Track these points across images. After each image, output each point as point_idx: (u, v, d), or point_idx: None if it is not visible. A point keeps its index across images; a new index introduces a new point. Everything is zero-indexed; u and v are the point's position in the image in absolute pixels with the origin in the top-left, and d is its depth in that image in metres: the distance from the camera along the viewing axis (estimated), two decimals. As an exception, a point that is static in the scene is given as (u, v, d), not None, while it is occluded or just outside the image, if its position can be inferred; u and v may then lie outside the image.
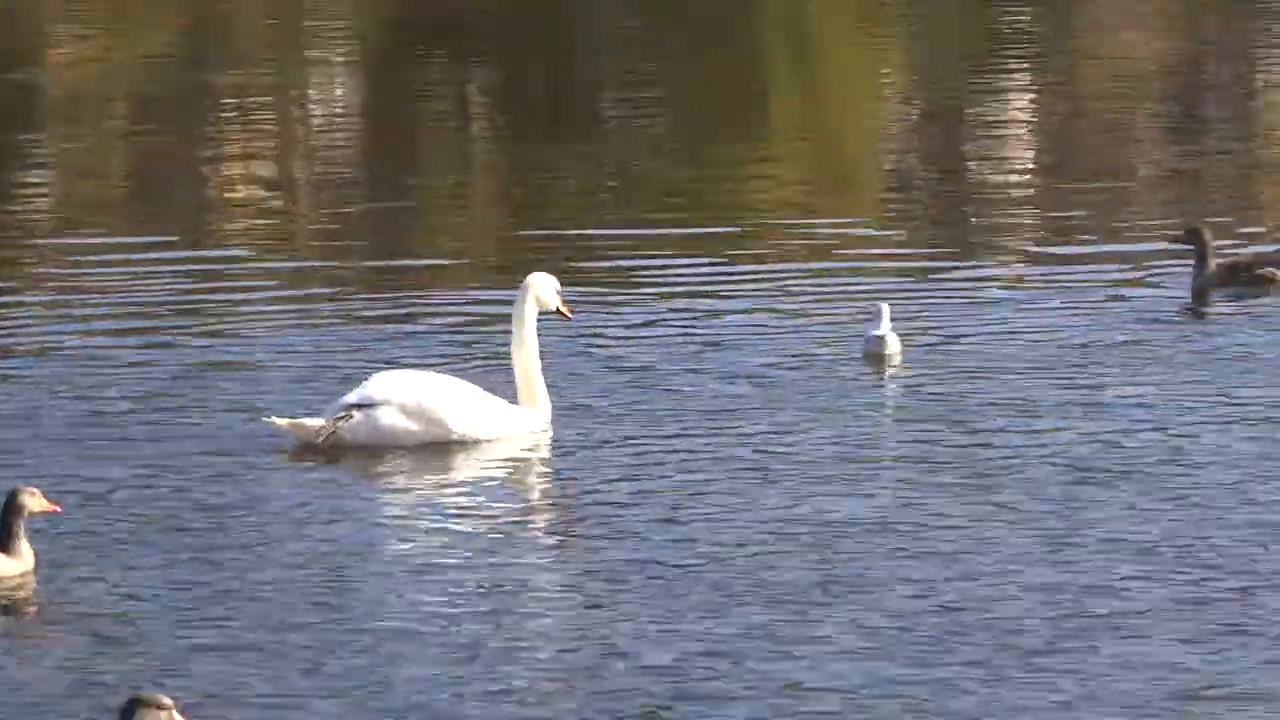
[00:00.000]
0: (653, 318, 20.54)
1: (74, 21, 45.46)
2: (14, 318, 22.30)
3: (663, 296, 21.29)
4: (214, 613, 13.96)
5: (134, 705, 10.76)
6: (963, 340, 19.78)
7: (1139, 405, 17.72)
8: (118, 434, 17.87)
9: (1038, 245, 23.93)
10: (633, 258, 22.72)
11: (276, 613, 13.78)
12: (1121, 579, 13.77)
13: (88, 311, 22.04)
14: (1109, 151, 29.49)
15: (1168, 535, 14.57)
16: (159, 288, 22.75)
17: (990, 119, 31.66)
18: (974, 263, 23.28)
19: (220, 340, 20.75)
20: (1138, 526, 14.73)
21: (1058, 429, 17.04)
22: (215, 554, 14.89)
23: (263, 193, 28.20)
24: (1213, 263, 21.26)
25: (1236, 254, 21.96)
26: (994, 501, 15.22)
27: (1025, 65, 36.29)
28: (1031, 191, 27.30)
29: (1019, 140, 30.39)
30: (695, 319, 20.45)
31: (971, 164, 29.30)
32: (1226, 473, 15.77)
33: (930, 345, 19.41)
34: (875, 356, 18.85)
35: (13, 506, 14.21)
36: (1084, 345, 19.64)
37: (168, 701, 10.78)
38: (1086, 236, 23.84)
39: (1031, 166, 28.98)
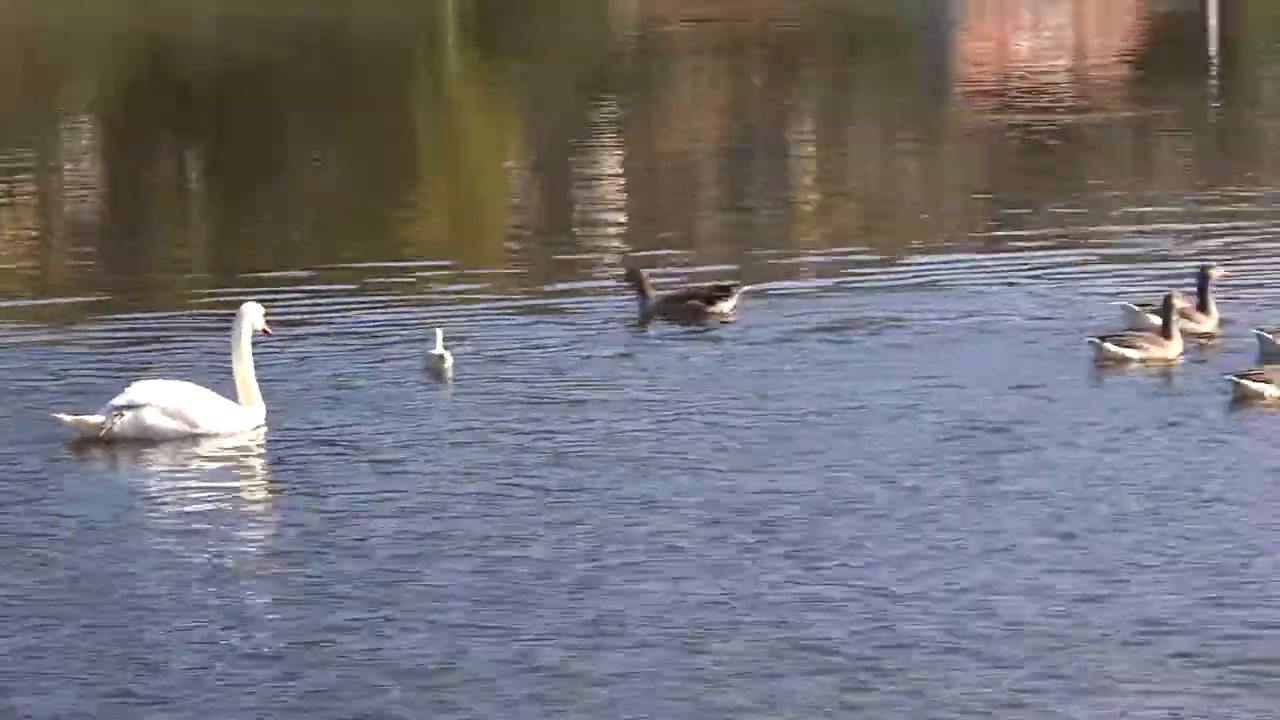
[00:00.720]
0: (317, 335, 20.64)
1: None
2: None
3: (324, 320, 21.31)
4: (12, 567, 13.85)
5: None
6: (502, 354, 19.64)
7: (599, 403, 17.86)
8: None
9: (573, 280, 23.69)
10: (308, 287, 22.75)
11: (58, 580, 13.66)
12: (629, 528, 14.28)
13: None
14: (663, 205, 29.75)
15: (664, 496, 15.08)
16: None
17: (579, 181, 31.64)
18: (523, 291, 23.12)
19: None
20: (635, 487, 15.27)
21: (565, 424, 17.20)
22: (17, 522, 14.81)
23: (22, 241, 27.78)
24: (653, 296, 20.87)
25: (671, 289, 21.51)
26: (527, 473, 15.68)
27: (615, 140, 36.16)
28: (587, 237, 27.27)
29: (596, 198, 30.34)
30: (339, 337, 20.65)
31: (553, 214, 29.32)
32: (688, 446, 16.25)
33: (479, 359, 19.37)
34: (433, 370, 18.80)
35: None
36: (574, 359, 19.42)
37: None
38: (606, 273, 23.68)
39: (596, 218, 28.97)
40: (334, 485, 15.81)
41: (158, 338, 21.12)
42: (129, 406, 16.94)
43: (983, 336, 20.16)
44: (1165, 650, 11.87)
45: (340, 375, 19.15)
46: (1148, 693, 11.27)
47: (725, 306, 20.94)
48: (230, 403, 17.19)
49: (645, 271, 21.18)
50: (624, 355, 19.82)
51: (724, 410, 17.61)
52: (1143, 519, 14.50)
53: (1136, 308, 19.70)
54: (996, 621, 12.32)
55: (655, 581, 13.24)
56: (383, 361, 19.62)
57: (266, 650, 12.24)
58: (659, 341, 20.36)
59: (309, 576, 13.64)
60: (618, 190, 31.20)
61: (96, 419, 16.88)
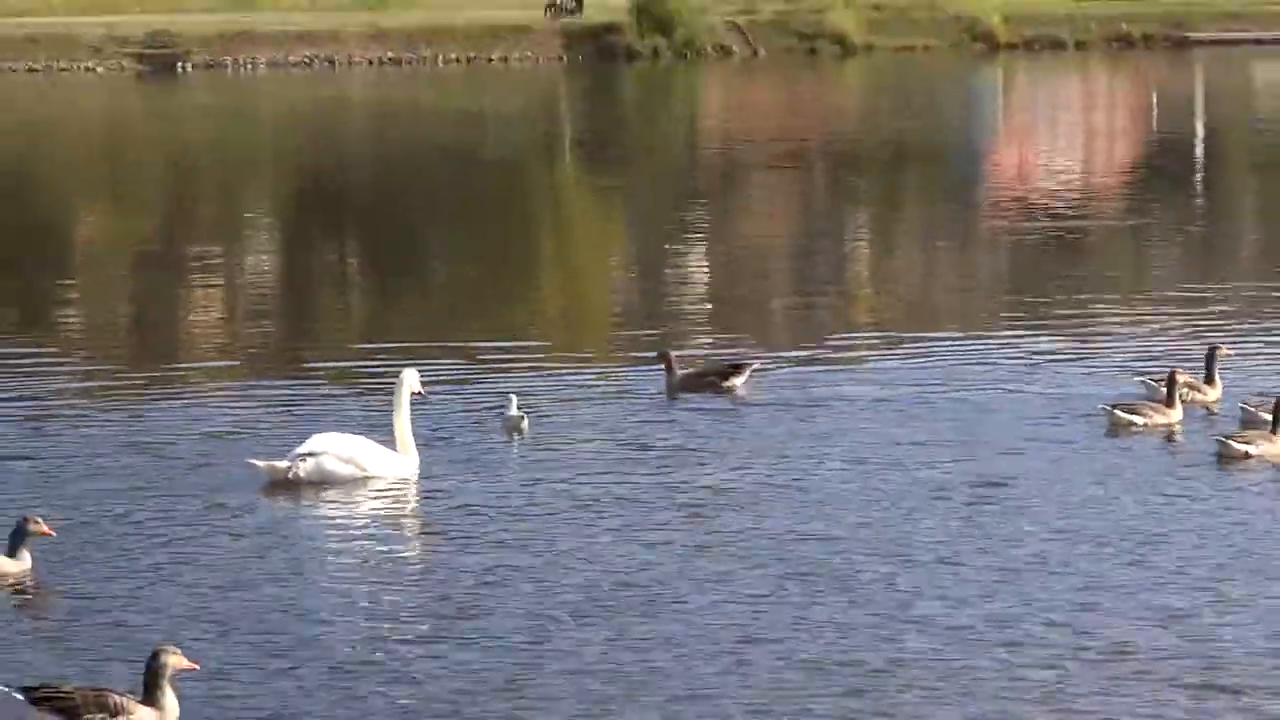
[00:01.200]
0: (459, 398, 20.41)
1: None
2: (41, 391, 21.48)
3: (461, 383, 21.27)
4: (216, 584, 14.07)
5: (157, 653, 11.18)
6: (567, 419, 19.55)
7: (646, 457, 17.80)
8: (129, 471, 17.38)
9: (639, 354, 22.85)
10: (441, 357, 22.50)
11: (260, 596, 13.85)
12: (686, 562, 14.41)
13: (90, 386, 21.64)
14: (731, 294, 29.47)
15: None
16: (143, 382, 22.30)
17: (665, 274, 31.51)
18: (598, 364, 22.97)
19: (188, 412, 20.25)
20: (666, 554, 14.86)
21: (613, 477, 17.13)
22: (221, 547, 15.10)
23: (217, 319, 28.20)
24: (678, 373, 20.54)
25: (692, 367, 21.16)
26: (598, 524, 15.63)
27: (697, 239, 36.14)
28: (662, 321, 26.53)
29: (676, 288, 30.02)
30: (466, 398, 20.42)
31: (639, 302, 29.11)
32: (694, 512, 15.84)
33: (547, 422, 19.29)
34: (512, 428, 18.72)
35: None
36: (625, 422, 19.28)
37: (176, 650, 11.19)
38: (644, 352, 22.70)
39: (672, 305, 28.37)
40: (471, 518, 16.11)
41: (323, 396, 21.27)
42: (310, 454, 17.10)
43: (1004, 406, 19.90)
44: (1129, 671, 12.06)
45: (466, 429, 19.22)
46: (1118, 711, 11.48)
47: (737, 382, 20.62)
48: (391, 451, 17.27)
49: (673, 353, 21.01)
50: (664, 421, 19.60)
51: (740, 468, 17.56)
52: (1121, 556, 14.61)
53: (1153, 382, 19.65)
54: (990, 646, 12.57)
55: (706, 607, 13.49)
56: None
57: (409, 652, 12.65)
58: (685, 411, 19.96)
59: (450, 595, 14.02)
60: (695, 282, 31.06)
61: (283, 464, 17.07)
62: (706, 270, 32.19)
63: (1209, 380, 19.80)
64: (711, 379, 20.74)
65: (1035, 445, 18.23)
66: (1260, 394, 19.26)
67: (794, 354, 23.40)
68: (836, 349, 23.87)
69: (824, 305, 28.39)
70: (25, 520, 14.06)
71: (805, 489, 16.70)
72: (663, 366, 20.81)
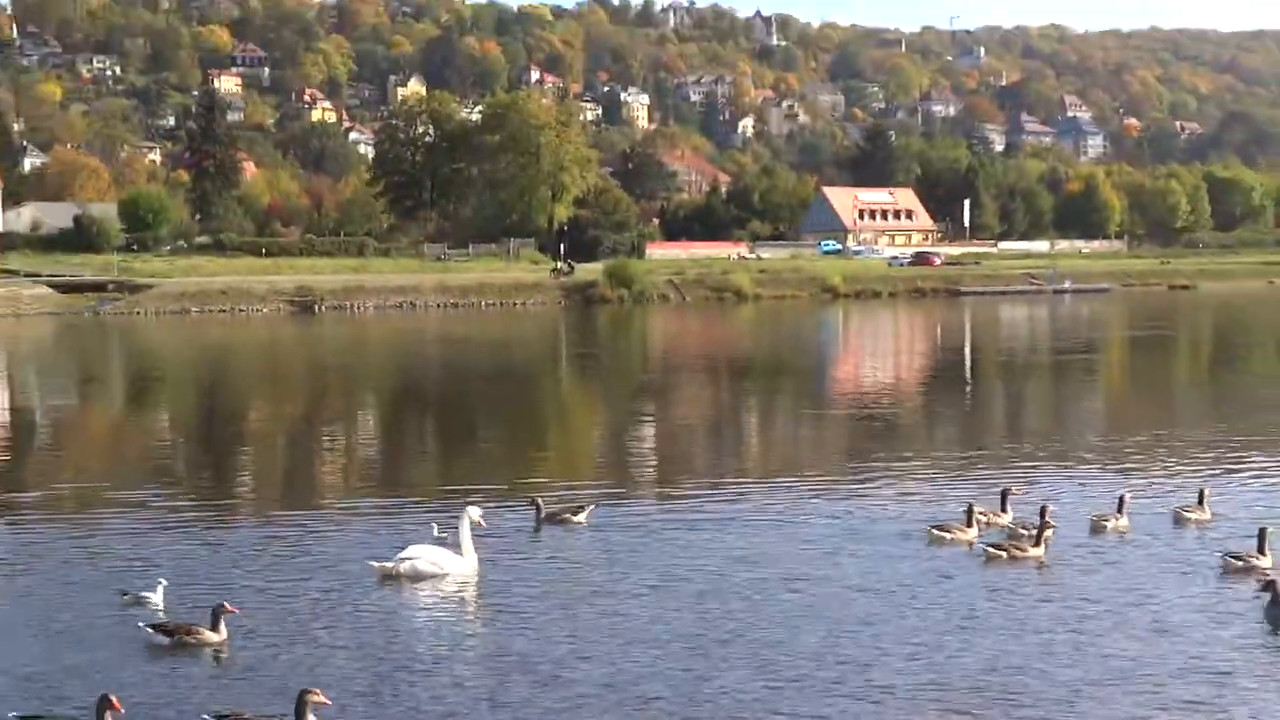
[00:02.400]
0: (501, 529, 19.24)
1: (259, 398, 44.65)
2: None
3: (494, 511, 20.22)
4: (345, 644, 13.60)
5: (302, 693, 10.87)
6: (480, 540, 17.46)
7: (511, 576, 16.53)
8: (286, 569, 16.74)
9: (538, 494, 20.76)
10: (466, 495, 21.65)
11: (376, 652, 13.28)
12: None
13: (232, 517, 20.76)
14: (662, 456, 28.21)
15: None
16: (291, 510, 21.42)
17: (619, 440, 30.67)
18: (525, 503, 20.48)
19: (324, 529, 19.60)
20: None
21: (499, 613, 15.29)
22: (350, 620, 14.75)
23: (340, 470, 27.55)
24: (543, 512, 19.31)
25: (556, 506, 19.83)
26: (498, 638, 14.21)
27: (645, 416, 35.33)
28: (599, 472, 25.13)
29: (620, 451, 29.01)
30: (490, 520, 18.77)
31: (598, 459, 27.79)
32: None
33: (485, 534, 17.54)
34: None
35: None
36: (521, 541, 18.30)
37: (316, 690, 10.88)
38: (521, 497, 21.07)
39: (613, 460, 26.98)
40: (521, 605, 15.67)
41: (415, 520, 20.53)
42: (408, 559, 16.72)
43: (840, 532, 19.07)
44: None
45: (495, 541, 18.41)
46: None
47: (581, 517, 19.31)
48: (460, 556, 16.88)
49: (539, 498, 19.73)
50: (534, 543, 18.55)
51: (581, 572, 16.78)
52: (890, 620, 14.40)
53: (967, 512, 19.17)
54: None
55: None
56: (514, 532, 18.98)
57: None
58: (549, 536, 18.91)
59: (504, 649, 13.85)
60: (629, 448, 29.87)
61: (389, 565, 16.64)
62: (644, 441, 31.40)
63: (1003, 509, 19.47)
64: (564, 516, 19.43)
65: (863, 552, 17.62)
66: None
67: (660, 494, 22.12)
68: (699, 492, 22.33)
69: (705, 462, 26.95)
70: (220, 605, 13.90)
71: (633, 588, 15.76)
72: (533, 509, 19.69)
